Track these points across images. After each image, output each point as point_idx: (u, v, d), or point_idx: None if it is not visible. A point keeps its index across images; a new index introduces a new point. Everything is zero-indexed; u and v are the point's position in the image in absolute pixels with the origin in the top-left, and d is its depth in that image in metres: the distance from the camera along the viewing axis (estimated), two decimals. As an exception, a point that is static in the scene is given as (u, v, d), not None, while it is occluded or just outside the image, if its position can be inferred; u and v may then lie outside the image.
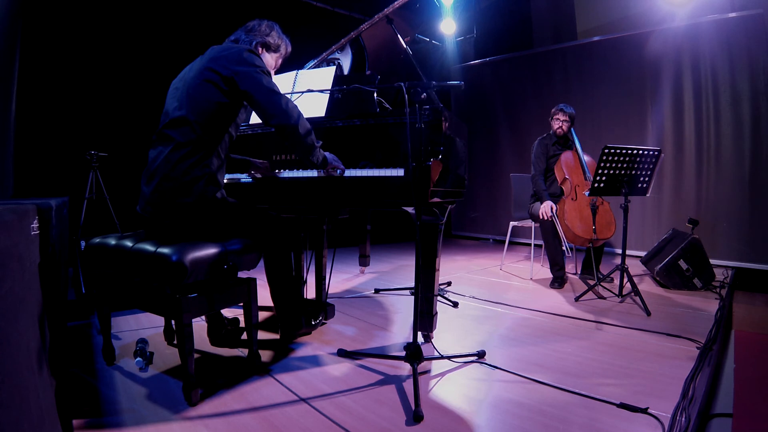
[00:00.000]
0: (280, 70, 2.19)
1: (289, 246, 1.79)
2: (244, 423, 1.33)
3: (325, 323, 2.27)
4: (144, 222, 1.66)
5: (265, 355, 1.85)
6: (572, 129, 3.31)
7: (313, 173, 1.88)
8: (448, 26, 5.31)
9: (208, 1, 3.98)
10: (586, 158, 3.21)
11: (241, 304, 1.69)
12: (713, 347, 1.92)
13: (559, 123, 3.31)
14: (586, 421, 1.35)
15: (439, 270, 1.98)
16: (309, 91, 1.96)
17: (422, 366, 1.73)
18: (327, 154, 1.77)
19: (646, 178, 2.68)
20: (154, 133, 1.66)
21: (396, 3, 2.09)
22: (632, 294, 2.73)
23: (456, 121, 1.97)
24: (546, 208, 3.07)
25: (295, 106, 1.65)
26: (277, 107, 1.59)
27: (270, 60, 1.85)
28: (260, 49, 1.81)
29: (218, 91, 1.59)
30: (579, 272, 3.53)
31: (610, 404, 1.44)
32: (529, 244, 3.98)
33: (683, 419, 1.32)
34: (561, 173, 3.22)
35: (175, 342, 1.97)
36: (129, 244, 1.57)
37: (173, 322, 1.68)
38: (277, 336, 2.08)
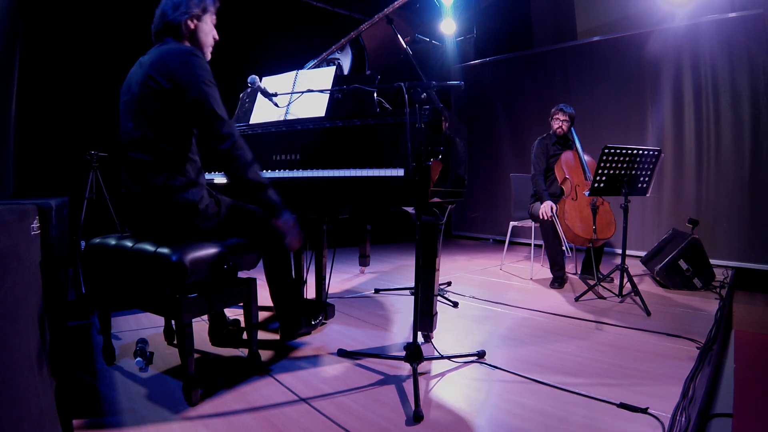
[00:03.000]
0: (279, 71, 2.20)
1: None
2: (244, 423, 1.33)
3: (325, 323, 2.27)
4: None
5: (265, 355, 1.85)
6: (572, 129, 3.32)
7: (313, 173, 1.88)
8: (448, 26, 5.31)
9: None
10: (586, 158, 3.21)
11: (241, 304, 1.69)
12: (713, 347, 1.92)
13: (559, 123, 3.31)
14: (586, 421, 1.35)
15: (439, 270, 1.98)
16: (309, 91, 1.96)
17: (422, 366, 1.73)
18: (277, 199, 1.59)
19: (646, 178, 2.68)
20: (119, 154, 1.58)
21: (396, 3, 2.09)
22: (632, 294, 2.73)
23: (456, 121, 1.97)
24: (546, 208, 3.07)
25: (233, 131, 1.52)
26: (215, 130, 1.47)
27: (208, 25, 1.65)
28: (194, 21, 1.59)
29: (167, 99, 1.48)
30: (579, 272, 3.53)
31: (610, 404, 1.44)
32: (529, 244, 3.97)
33: (683, 419, 1.32)
34: (561, 173, 3.22)
35: (175, 342, 1.97)
36: (129, 244, 1.57)
37: (173, 322, 1.68)
38: (277, 336, 2.09)
